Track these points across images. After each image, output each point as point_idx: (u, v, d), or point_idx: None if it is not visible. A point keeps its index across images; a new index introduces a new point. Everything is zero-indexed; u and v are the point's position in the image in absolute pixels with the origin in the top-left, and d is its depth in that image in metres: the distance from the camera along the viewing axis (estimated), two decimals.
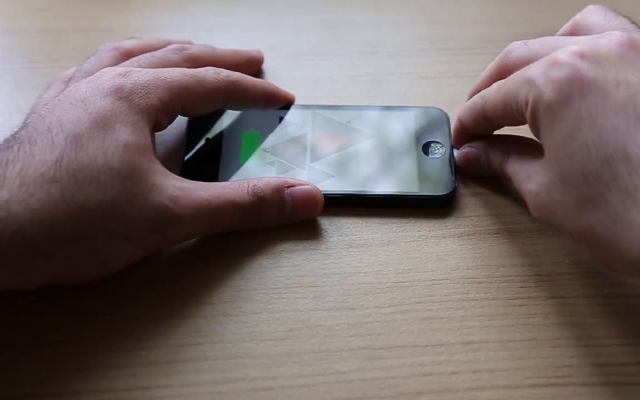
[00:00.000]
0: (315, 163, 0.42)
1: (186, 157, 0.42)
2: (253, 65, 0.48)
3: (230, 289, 0.37)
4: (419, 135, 0.44)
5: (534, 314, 0.36)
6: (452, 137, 0.43)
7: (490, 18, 0.53)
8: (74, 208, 0.32)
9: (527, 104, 0.35)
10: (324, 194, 0.40)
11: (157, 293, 0.37)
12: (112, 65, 0.40)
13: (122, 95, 0.36)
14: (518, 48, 0.39)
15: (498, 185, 0.42)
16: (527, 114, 0.35)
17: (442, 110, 0.45)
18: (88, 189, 0.33)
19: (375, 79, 0.48)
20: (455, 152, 0.43)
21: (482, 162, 0.41)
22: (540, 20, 0.53)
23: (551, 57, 0.35)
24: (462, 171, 0.42)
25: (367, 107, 0.46)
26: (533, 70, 0.35)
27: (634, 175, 0.31)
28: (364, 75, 0.49)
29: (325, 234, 0.40)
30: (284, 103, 0.45)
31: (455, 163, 0.42)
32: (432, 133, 0.44)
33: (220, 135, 0.44)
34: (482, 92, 0.40)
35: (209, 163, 0.42)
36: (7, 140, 0.34)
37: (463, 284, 0.38)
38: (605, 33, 0.36)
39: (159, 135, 0.44)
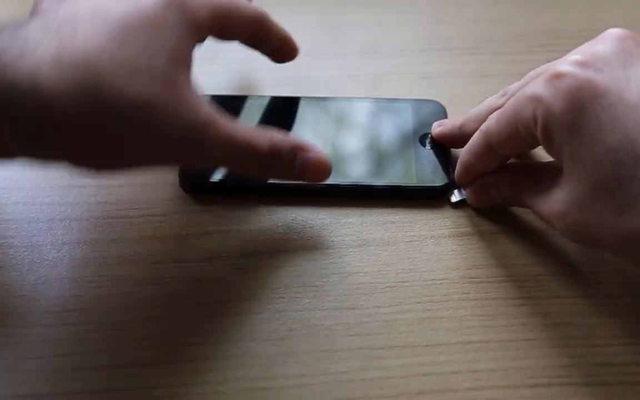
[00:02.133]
0: None
1: None
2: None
3: (231, 288, 0.37)
4: (415, 127, 0.44)
5: (534, 314, 0.36)
6: (457, 179, 0.40)
7: (490, 18, 0.53)
8: (110, 99, 0.30)
9: (536, 122, 0.34)
10: (323, 187, 0.41)
11: (158, 293, 0.37)
12: None
13: (174, 4, 0.34)
14: (513, 85, 0.38)
15: None
16: (539, 132, 0.34)
17: (439, 102, 0.45)
18: (128, 80, 0.31)
19: (376, 79, 0.48)
20: (461, 194, 0.41)
21: (493, 197, 0.39)
22: (540, 20, 0.53)
23: (551, 71, 0.33)
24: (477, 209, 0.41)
25: (363, 99, 0.46)
26: (535, 87, 0.34)
27: None
28: (364, 75, 0.49)
29: (325, 233, 0.40)
30: (293, 54, 0.44)
31: (451, 155, 0.42)
32: (428, 125, 0.44)
33: None
34: (482, 127, 0.38)
35: None
36: (44, 21, 0.31)
37: (463, 284, 0.38)
38: (599, 37, 0.35)
39: None
